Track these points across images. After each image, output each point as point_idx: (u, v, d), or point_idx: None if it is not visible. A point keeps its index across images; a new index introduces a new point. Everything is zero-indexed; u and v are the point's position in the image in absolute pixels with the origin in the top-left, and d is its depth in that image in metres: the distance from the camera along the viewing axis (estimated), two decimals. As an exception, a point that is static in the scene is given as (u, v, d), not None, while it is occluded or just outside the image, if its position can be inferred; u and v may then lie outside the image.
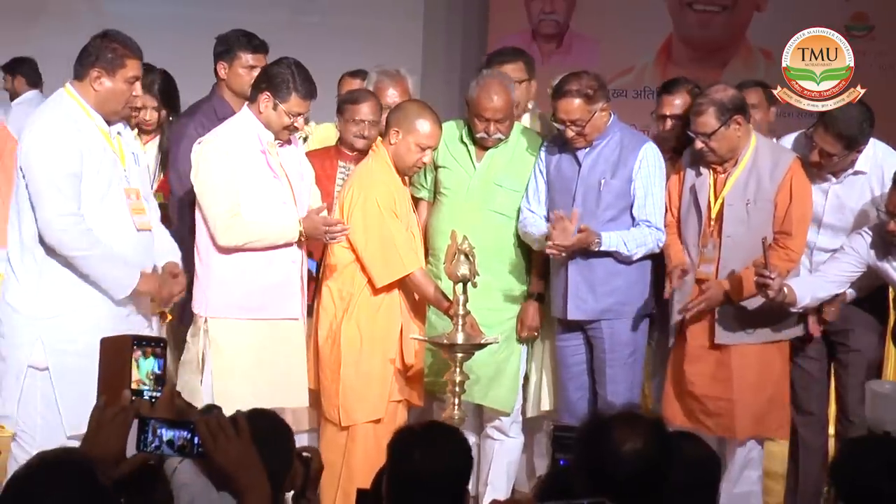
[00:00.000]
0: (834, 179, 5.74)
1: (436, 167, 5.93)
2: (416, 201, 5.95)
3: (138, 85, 5.19)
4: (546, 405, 6.05)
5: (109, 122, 5.14)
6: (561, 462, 3.88)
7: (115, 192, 5.09)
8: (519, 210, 5.86)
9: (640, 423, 3.11)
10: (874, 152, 5.70)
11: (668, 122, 5.99)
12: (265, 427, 3.50)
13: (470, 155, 5.90)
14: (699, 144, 5.60)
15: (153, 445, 2.71)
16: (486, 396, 5.89)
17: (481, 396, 5.89)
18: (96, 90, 5.07)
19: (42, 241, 5.01)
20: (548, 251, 5.63)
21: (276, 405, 5.22)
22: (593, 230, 5.60)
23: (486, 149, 5.89)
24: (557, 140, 5.85)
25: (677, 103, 5.97)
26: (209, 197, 5.38)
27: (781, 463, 6.53)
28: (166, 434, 2.71)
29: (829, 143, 5.60)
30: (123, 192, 5.12)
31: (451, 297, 5.45)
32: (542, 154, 5.85)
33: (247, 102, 5.57)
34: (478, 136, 5.85)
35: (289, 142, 5.60)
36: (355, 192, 5.62)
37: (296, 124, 5.51)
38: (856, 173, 5.71)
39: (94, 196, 5.02)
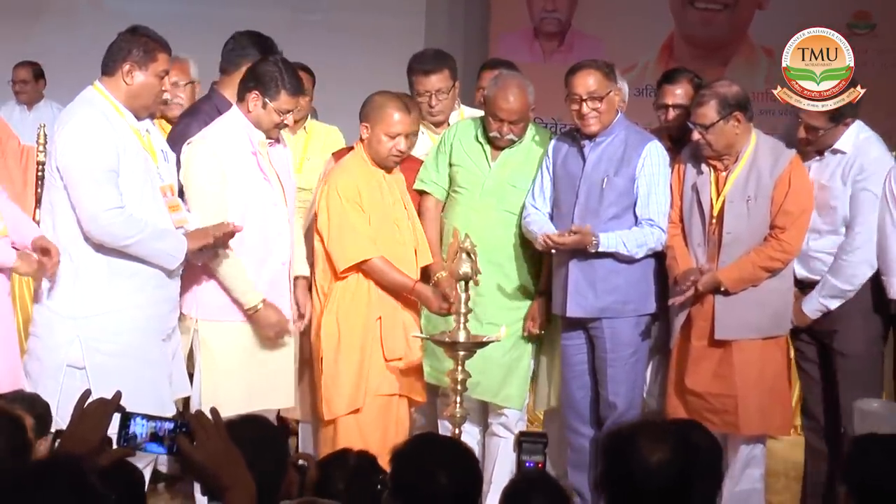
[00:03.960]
0: (819, 159, 5.72)
1: (450, 164, 5.93)
2: (421, 195, 5.94)
3: (167, 80, 5.20)
4: (553, 401, 6.05)
5: (138, 118, 5.14)
6: (527, 464, 3.96)
7: (151, 190, 5.10)
8: (523, 206, 5.86)
9: (663, 433, 3.07)
10: (857, 133, 5.66)
11: (671, 112, 5.98)
12: (257, 432, 3.49)
13: (485, 154, 5.89)
14: (696, 135, 5.59)
15: (135, 440, 2.70)
16: (497, 395, 5.89)
17: (493, 395, 5.88)
18: (128, 84, 5.08)
19: (84, 240, 5.02)
20: (540, 241, 5.63)
21: (264, 406, 5.25)
22: (589, 231, 5.59)
23: (501, 149, 5.88)
24: (565, 137, 5.85)
25: (679, 92, 5.96)
26: (197, 202, 5.38)
27: (783, 461, 6.53)
28: (148, 429, 2.69)
29: (813, 116, 5.59)
30: (159, 190, 5.14)
31: (414, 276, 5.53)
32: (550, 151, 5.84)
33: (235, 102, 5.55)
34: (491, 134, 5.84)
35: (277, 140, 5.60)
36: (323, 186, 5.68)
37: (286, 121, 5.51)
38: (834, 151, 5.66)
39: (132, 194, 5.03)
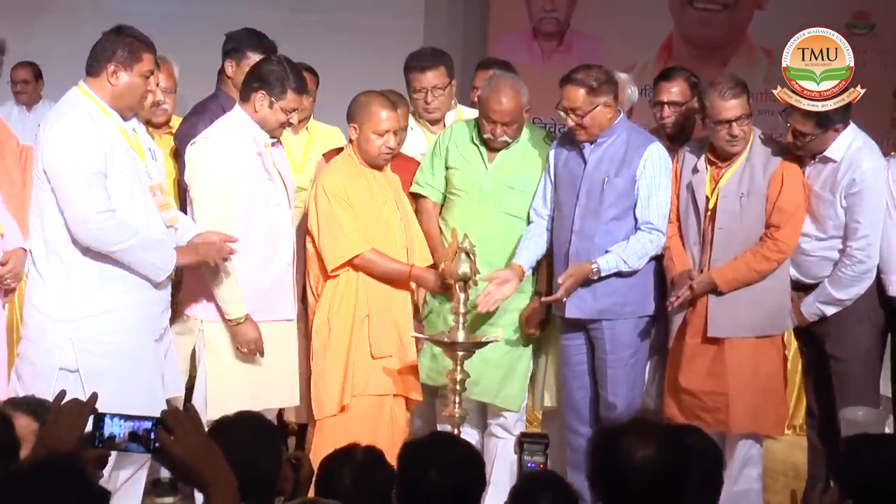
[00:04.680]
0: (813, 163, 5.69)
1: (446, 167, 5.93)
2: (417, 198, 5.95)
3: (152, 80, 5.18)
4: (549, 401, 6.06)
5: (124, 119, 5.12)
6: (529, 465, 4.05)
7: (140, 190, 5.08)
8: (529, 213, 5.86)
9: (651, 431, 3.07)
10: (850, 142, 5.62)
11: (667, 109, 5.97)
12: (253, 429, 3.50)
13: (482, 156, 5.88)
14: (736, 131, 5.56)
15: (113, 441, 2.69)
16: (496, 396, 5.89)
17: (492, 396, 5.89)
18: (112, 85, 5.04)
19: (73, 243, 4.99)
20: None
21: (269, 405, 5.28)
22: (585, 262, 5.60)
23: (498, 150, 5.88)
24: (566, 138, 5.85)
25: (675, 90, 5.97)
26: (201, 202, 5.38)
27: (782, 461, 6.53)
28: (126, 429, 2.69)
29: (800, 121, 5.58)
30: (148, 190, 5.12)
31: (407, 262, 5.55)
32: (552, 153, 5.84)
33: (238, 102, 5.55)
34: (484, 136, 5.84)
35: (279, 141, 5.60)
36: (312, 186, 5.70)
37: (291, 120, 5.52)
38: (825, 160, 5.63)
39: (121, 195, 5.00)
